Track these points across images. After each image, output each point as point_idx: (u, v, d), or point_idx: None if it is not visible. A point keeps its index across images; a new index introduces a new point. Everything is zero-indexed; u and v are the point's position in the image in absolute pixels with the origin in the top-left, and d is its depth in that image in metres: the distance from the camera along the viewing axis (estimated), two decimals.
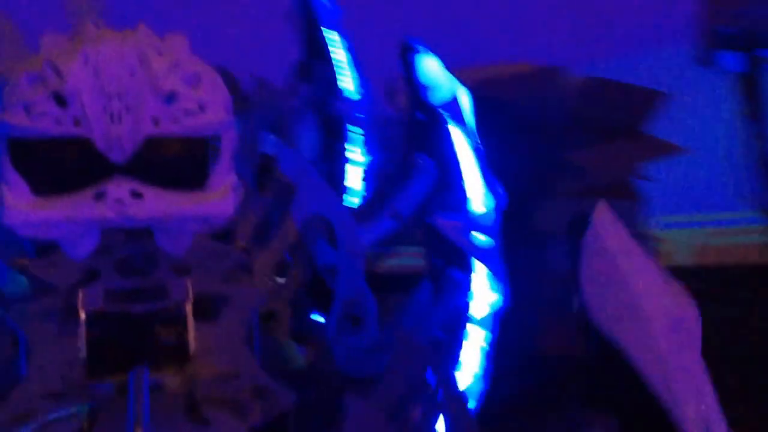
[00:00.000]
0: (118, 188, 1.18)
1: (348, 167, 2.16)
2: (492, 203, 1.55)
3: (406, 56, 1.52)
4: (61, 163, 1.17)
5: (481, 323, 1.61)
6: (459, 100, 1.50)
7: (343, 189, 2.13)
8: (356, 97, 2.11)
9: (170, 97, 1.15)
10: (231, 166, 1.24)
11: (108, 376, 1.14)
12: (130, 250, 1.24)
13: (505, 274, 1.58)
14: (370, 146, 2.16)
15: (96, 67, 1.13)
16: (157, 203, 1.19)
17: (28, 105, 1.13)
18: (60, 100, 1.13)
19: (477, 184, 1.55)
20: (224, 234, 1.39)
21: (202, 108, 1.18)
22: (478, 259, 1.55)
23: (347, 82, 2.10)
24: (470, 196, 1.56)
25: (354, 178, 2.16)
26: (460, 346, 1.64)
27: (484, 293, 1.61)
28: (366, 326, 1.53)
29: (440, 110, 1.50)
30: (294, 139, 1.96)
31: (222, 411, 1.17)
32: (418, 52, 1.49)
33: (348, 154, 2.14)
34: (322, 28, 2.04)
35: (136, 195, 1.18)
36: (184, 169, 1.21)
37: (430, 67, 1.49)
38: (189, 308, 1.17)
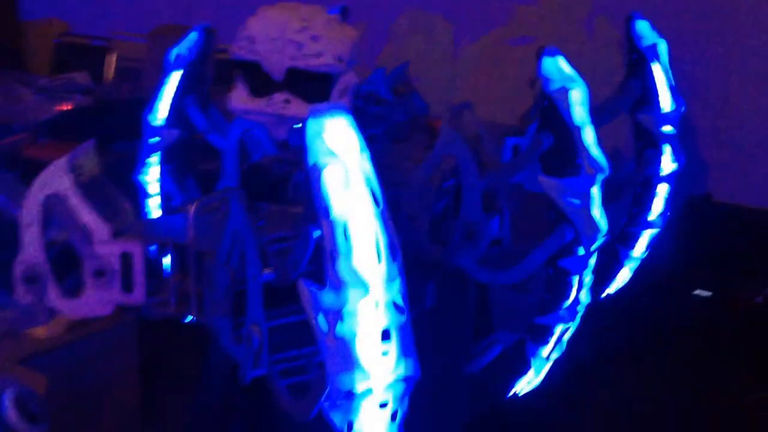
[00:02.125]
0: (279, 96, 1.97)
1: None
2: None
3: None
4: (258, 77, 2.00)
5: None
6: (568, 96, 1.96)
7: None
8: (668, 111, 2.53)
9: (299, 46, 1.91)
10: (341, 97, 1.95)
11: None
12: None
13: None
14: (675, 153, 2.56)
15: (265, 23, 1.94)
16: (297, 109, 1.95)
17: (237, 41, 1.99)
18: (250, 40, 1.97)
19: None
20: None
21: (319, 54, 1.91)
22: None
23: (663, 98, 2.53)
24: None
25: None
26: None
27: None
28: (477, 239, 2.08)
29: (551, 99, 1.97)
30: None
31: None
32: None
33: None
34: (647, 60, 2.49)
35: (287, 101, 1.96)
36: (315, 91, 1.95)
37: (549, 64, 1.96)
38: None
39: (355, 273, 1.39)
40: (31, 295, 1.80)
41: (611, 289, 2.71)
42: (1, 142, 3.28)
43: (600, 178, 1.99)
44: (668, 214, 2.63)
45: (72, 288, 1.81)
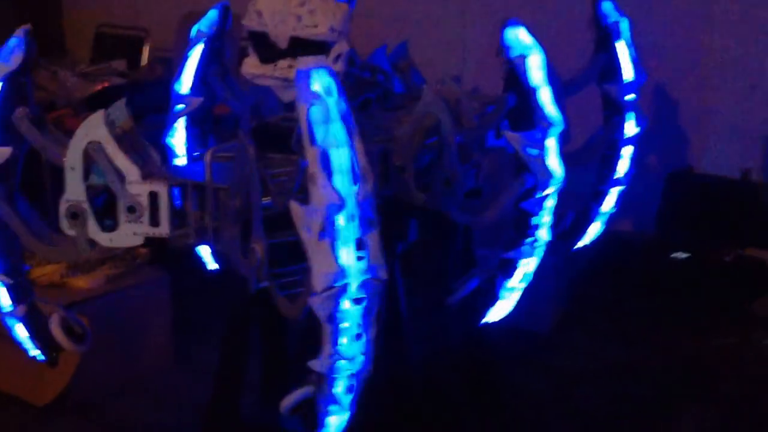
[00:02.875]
0: (284, 62, 2.32)
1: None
2: None
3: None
4: (266, 46, 2.36)
5: None
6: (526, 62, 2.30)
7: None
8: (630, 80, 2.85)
9: (298, 18, 2.26)
10: (335, 62, 2.30)
11: None
12: None
13: None
14: (638, 119, 2.89)
15: None
16: None
17: (247, 15, 2.35)
18: (258, 13, 2.32)
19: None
20: None
21: (315, 25, 2.26)
22: None
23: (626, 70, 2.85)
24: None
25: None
26: None
27: None
28: (455, 186, 2.42)
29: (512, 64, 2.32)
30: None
31: None
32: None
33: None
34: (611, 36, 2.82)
35: (290, 66, 2.32)
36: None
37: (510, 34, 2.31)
38: None
39: (332, 191, 1.75)
40: (74, 229, 2.16)
41: (586, 240, 3.04)
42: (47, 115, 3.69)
43: (554, 131, 2.33)
44: (633, 172, 2.96)
45: (109, 225, 2.18)
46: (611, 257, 4.11)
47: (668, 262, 4.07)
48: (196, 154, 2.62)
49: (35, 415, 3.10)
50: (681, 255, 4.07)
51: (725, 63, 4.16)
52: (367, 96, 2.58)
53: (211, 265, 2.84)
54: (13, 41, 2.15)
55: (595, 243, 3.09)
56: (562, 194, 2.48)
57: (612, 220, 3.84)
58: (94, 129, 2.10)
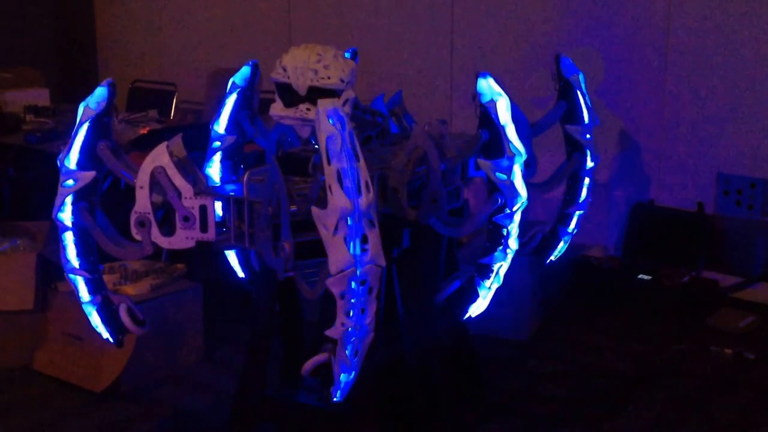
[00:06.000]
0: (303, 106, 2.93)
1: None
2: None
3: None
4: (289, 93, 2.98)
5: None
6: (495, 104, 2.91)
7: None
8: (587, 122, 3.49)
9: (315, 71, 2.88)
10: (344, 106, 2.90)
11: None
12: None
13: None
14: (592, 155, 3.52)
15: (294, 56, 2.91)
16: (315, 114, 2.93)
17: (275, 69, 2.97)
18: (283, 68, 2.95)
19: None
20: None
21: (329, 77, 2.87)
22: None
23: (584, 114, 3.49)
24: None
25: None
26: None
27: None
28: (439, 204, 3.02)
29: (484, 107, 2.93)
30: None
31: None
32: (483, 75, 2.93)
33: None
34: (571, 87, 3.46)
35: (308, 109, 2.93)
36: None
37: (482, 83, 2.93)
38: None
39: (344, 198, 2.36)
40: (141, 235, 2.76)
41: (553, 257, 3.64)
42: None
43: (519, 160, 2.93)
44: (590, 199, 3.57)
45: (168, 230, 2.77)
46: (583, 279, 4.75)
47: (633, 283, 4.69)
48: (234, 178, 3.22)
49: (93, 399, 3.69)
50: (644, 277, 4.69)
51: (681, 109, 4.79)
52: (369, 133, 3.18)
53: (240, 273, 3.42)
54: (99, 90, 2.75)
55: (569, 266, 3.66)
56: (529, 215, 3.09)
57: (584, 246, 4.51)
58: (159, 157, 2.70)
